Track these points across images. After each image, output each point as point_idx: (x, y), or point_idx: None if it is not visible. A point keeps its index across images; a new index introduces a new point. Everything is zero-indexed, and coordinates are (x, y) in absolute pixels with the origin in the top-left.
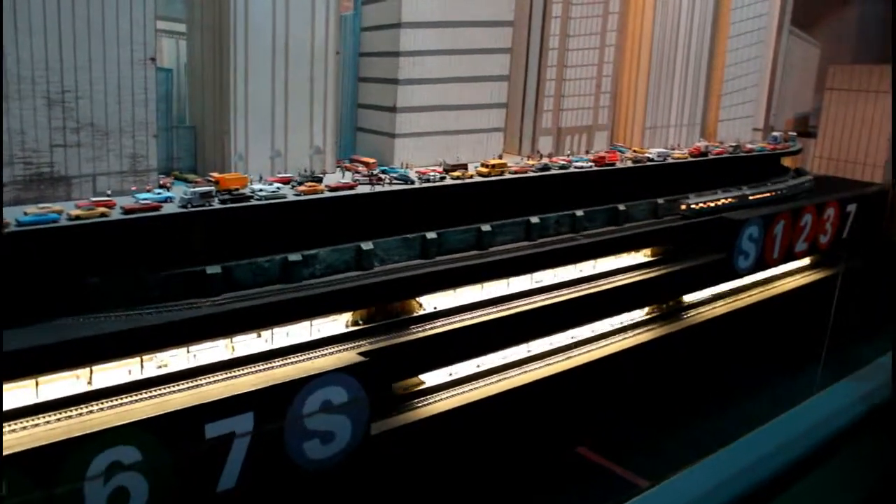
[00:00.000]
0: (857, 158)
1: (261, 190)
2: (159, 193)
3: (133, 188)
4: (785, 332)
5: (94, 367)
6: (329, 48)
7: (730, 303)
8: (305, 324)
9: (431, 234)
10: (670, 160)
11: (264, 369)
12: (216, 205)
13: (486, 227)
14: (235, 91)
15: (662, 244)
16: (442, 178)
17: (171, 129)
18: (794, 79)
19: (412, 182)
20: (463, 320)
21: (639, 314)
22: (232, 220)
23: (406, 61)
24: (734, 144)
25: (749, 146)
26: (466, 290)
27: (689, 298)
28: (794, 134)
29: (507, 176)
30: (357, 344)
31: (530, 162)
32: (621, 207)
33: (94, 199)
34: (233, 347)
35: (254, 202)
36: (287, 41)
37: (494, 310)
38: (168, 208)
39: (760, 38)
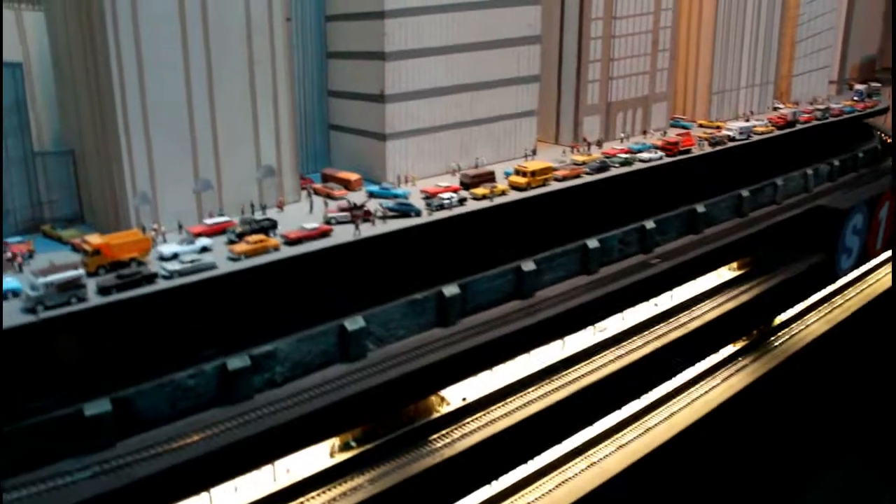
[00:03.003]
0: None
1: (174, 257)
2: None
3: None
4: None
5: None
6: (274, 13)
7: (825, 313)
8: (266, 468)
9: (451, 289)
10: (755, 137)
11: None
12: (93, 300)
13: (528, 266)
14: (123, 90)
15: (754, 253)
16: (462, 202)
17: (33, 158)
18: (858, 11)
19: (417, 213)
20: (508, 413)
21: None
22: (124, 320)
23: (394, 25)
24: (821, 107)
25: (835, 107)
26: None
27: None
28: (878, 85)
29: (554, 186)
30: (350, 486)
31: (579, 158)
32: (700, 209)
33: None
34: None
35: (161, 284)
36: (204, 3)
37: (548, 387)
38: (4, 314)
39: None
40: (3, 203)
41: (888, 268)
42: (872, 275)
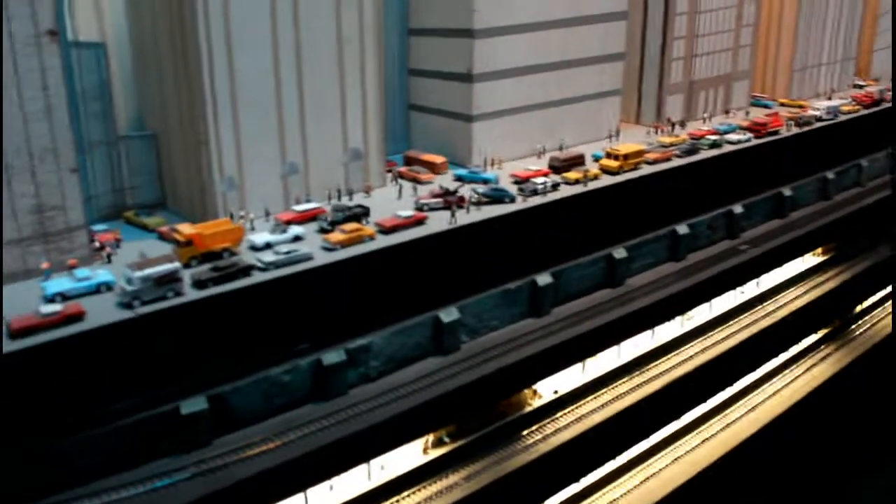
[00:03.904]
0: None
1: (267, 247)
2: (83, 279)
3: (44, 265)
4: None
5: None
6: None
7: None
8: (360, 468)
9: (544, 278)
10: (842, 117)
11: None
12: (189, 293)
13: (619, 253)
14: (212, 69)
15: (838, 238)
16: (555, 187)
17: (116, 143)
18: None
19: (511, 199)
20: (599, 407)
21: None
22: (219, 314)
23: (484, 0)
24: None
25: None
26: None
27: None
28: None
29: (646, 170)
30: (444, 485)
31: (666, 140)
32: (787, 192)
33: None
34: None
35: (258, 277)
36: None
37: (638, 379)
38: (98, 309)
39: None
40: (87, 188)
41: None
42: None
